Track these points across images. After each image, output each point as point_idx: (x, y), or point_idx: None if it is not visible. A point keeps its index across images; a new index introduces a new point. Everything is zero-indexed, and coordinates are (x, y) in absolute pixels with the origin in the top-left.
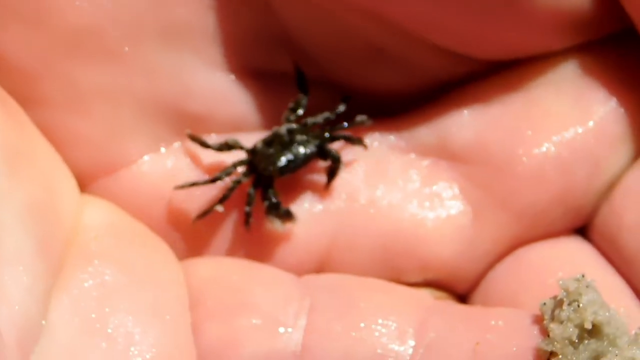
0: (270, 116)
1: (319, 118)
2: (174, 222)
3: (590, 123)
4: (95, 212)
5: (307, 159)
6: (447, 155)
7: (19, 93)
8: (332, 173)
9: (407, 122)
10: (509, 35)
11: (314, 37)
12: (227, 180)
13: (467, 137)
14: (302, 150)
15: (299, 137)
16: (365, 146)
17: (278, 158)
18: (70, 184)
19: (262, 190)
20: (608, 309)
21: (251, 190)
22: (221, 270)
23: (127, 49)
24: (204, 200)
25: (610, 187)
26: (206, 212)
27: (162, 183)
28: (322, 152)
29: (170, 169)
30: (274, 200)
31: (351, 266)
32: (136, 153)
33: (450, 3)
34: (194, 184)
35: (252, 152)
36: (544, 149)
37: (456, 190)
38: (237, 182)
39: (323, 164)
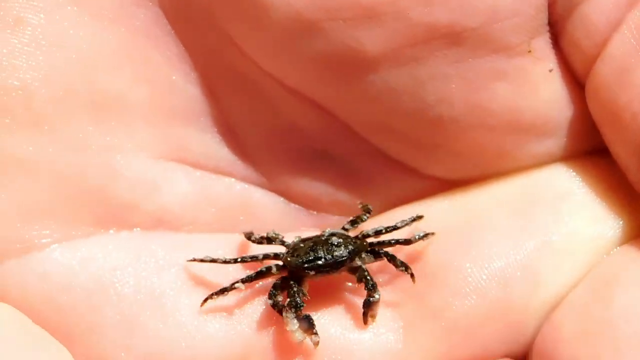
0: (201, 213)
1: (370, 230)
2: (82, 312)
3: (536, 239)
4: None
5: (335, 263)
6: (386, 268)
7: None
8: (367, 304)
9: None
10: (467, 148)
11: (255, 132)
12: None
13: (406, 250)
14: (333, 251)
15: (335, 239)
16: (412, 277)
17: (304, 252)
18: None
19: (289, 285)
20: None
21: (277, 282)
22: None
23: (56, 117)
24: (109, 294)
25: (553, 306)
26: (226, 290)
27: (72, 273)
28: (358, 270)
29: (84, 259)
30: (297, 299)
31: None
32: (50, 237)
33: (401, 105)
34: (213, 261)
35: (288, 245)
36: (483, 261)
37: (389, 304)
38: (268, 269)
39: None
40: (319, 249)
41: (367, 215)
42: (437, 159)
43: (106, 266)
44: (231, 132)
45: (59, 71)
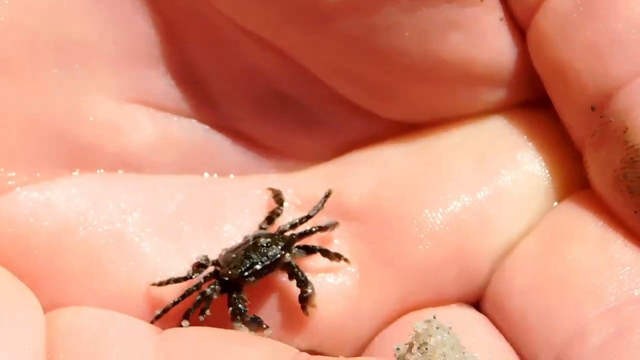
0: (163, 155)
1: (286, 225)
2: (47, 256)
3: (490, 185)
4: None
5: (271, 263)
6: (343, 213)
7: None
8: (302, 299)
9: (305, 179)
10: (422, 94)
11: (216, 75)
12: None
13: (362, 195)
14: (266, 252)
15: (262, 240)
16: (347, 261)
17: (239, 261)
18: None
19: (229, 295)
20: (462, 352)
21: (214, 295)
22: (80, 321)
23: (21, 60)
24: (73, 238)
25: (506, 253)
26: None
27: (37, 216)
28: (289, 267)
29: (48, 201)
30: (239, 306)
31: None
32: (15, 179)
33: (358, 52)
34: (169, 282)
35: (216, 262)
36: (438, 207)
37: (344, 249)
38: (205, 295)
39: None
40: (252, 254)
41: (281, 208)
42: (393, 102)
43: (70, 209)
44: (193, 75)
45: (23, 15)
